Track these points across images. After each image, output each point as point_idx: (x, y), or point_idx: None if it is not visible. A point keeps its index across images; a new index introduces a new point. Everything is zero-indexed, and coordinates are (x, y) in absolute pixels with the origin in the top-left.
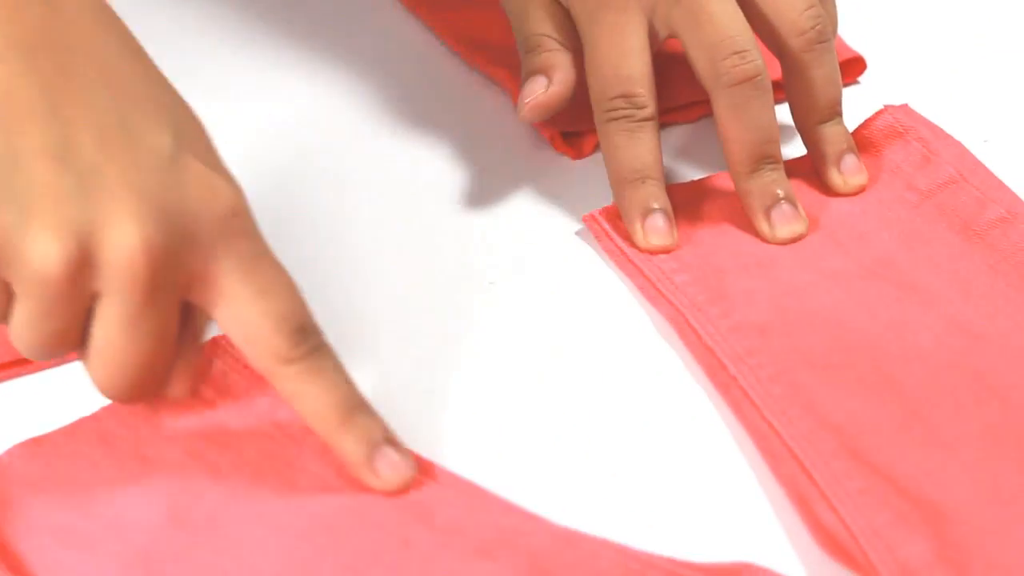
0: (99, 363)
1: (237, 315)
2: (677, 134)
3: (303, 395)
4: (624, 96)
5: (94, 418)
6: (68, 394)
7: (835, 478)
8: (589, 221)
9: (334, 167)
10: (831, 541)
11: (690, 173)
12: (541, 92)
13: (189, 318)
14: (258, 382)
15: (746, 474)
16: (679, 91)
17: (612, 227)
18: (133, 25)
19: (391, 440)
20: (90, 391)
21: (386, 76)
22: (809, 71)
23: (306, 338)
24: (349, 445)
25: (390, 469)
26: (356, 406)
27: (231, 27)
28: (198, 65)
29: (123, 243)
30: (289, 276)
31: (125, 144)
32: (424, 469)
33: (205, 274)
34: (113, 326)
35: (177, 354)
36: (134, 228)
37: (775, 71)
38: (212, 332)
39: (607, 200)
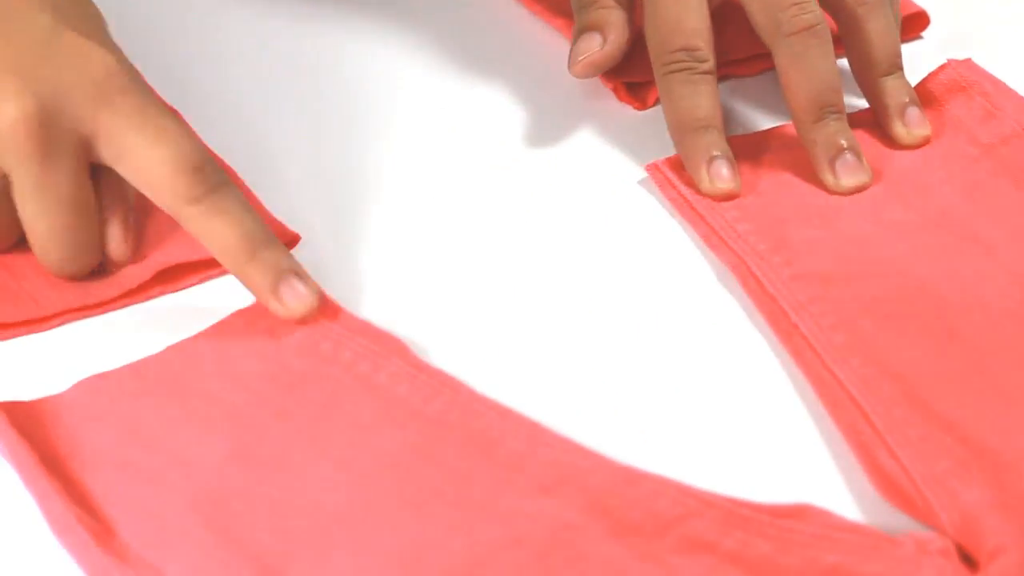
0: (32, 241)
1: (137, 166)
2: (736, 88)
3: (210, 233)
4: (685, 49)
5: (159, 357)
6: (135, 333)
7: (896, 425)
8: (652, 170)
9: (400, 115)
10: (891, 487)
11: (749, 127)
12: (596, 50)
13: (109, 182)
14: (320, 326)
15: (806, 421)
16: (736, 45)
17: (675, 175)
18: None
19: (298, 272)
20: (156, 331)
21: (452, 24)
22: (865, 24)
23: (205, 178)
24: (256, 276)
25: (294, 298)
26: (262, 240)
27: None
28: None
29: (5, 120)
30: (181, 122)
31: (2, 30)
32: (485, 403)
33: (97, 134)
34: (25, 199)
35: (107, 219)
36: (12, 104)
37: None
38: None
39: (670, 151)
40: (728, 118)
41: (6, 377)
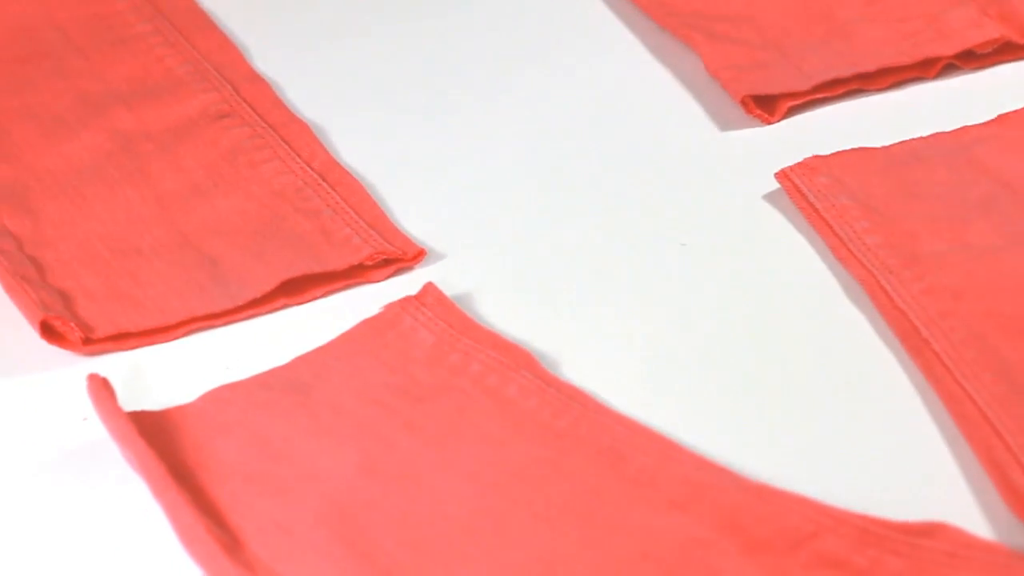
0: None
1: None
2: (864, 102)
3: None
4: None
5: (287, 368)
6: (262, 344)
7: None
8: (782, 178)
9: (530, 128)
10: None
11: (876, 141)
12: None
13: None
14: (449, 338)
15: (937, 437)
16: (866, 57)
17: (805, 184)
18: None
19: None
20: (283, 341)
21: (578, 39)
22: None
23: None
24: None
25: None
26: None
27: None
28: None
29: None
30: None
31: None
32: (615, 418)
33: None
34: None
35: None
36: None
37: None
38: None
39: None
40: (856, 132)
41: (134, 386)
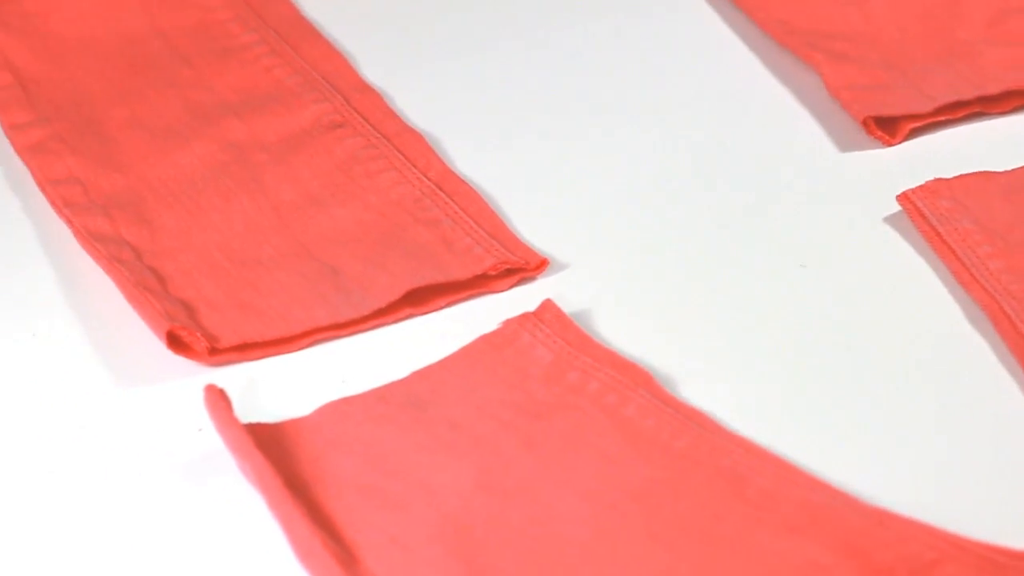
0: None
1: None
2: (987, 126)
3: None
4: None
5: (405, 382)
6: (379, 356)
7: None
8: (904, 201)
9: (646, 148)
10: None
11: (1000, 165)
12: None
13: None
14: (567, 355)
15: None
16: (990, 80)
17: (928, 207)
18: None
19: None
20: (400, 353)
21: (697, 56)
22: None
23: None
24: None
25: None
26: None
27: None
28: None
29: None
30: None
31: None
32: (733, 439)
33: None
34: None
35: None
36: None
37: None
38: (508, 312)
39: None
40: (978, 156)
41: (250, 398)
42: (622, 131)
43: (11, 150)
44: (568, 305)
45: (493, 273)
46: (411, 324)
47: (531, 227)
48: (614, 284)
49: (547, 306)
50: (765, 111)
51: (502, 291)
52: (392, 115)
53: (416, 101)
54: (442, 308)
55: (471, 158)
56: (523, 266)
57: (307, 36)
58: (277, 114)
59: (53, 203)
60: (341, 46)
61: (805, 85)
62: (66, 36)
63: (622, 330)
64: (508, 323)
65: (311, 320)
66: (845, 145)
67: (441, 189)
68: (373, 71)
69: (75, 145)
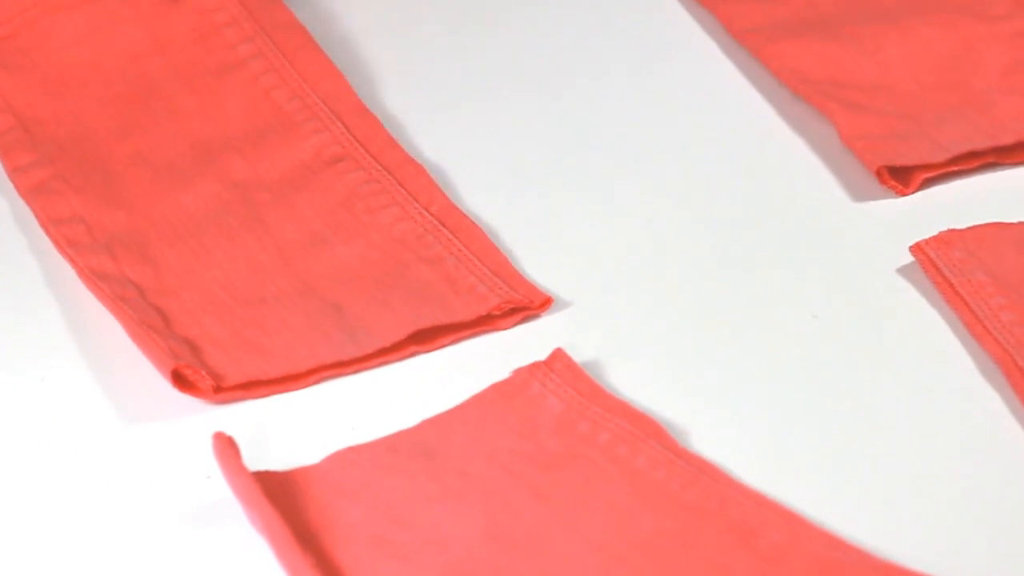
0: None
1: None
2: (1002, 176)
3: None
4: None
5: (414, 431)
6: (386, 396)
7: None
8: (917, 251)
9: (661, 190)
10: None
11: (1019, 215)
12: None
13: None
14: (577, 405)
15: None
16: (1005, 129)
17: (941, 258)
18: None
19: None
20: (407, 398)
21: (709, 102)
22: None
23: None
24: None
25: None
26: None
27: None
28: None
29: None
30: None
31: None
32: (745, 492)
33: None
34: None
35: None
36: None
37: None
38: (522, 360)
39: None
40: (992, 206)
41: (258, 444)
42: (633, 175)
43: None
44: (573, 346)
45: (497, 313)
46: (416, 362)
47: (536, 264)
48: (621, 327)
49: (558, 355)
50: (778, 159)
51: (506, 329)
52: (393, 144)
53: (426, 132)
54: (447, 346)
55: (478, 193)
56: (527, 304)
57: (304, 47)
58: (277, 147)
59: (56, 243)
60: (362, 71)
61: (819, 134)
62: (64, 65)
63: (632, 378)
64: (518, 372)
65: (316, 358)
66: (858, 195)
67: (444, 225)
68: (386, 98)
69: (78, 184)
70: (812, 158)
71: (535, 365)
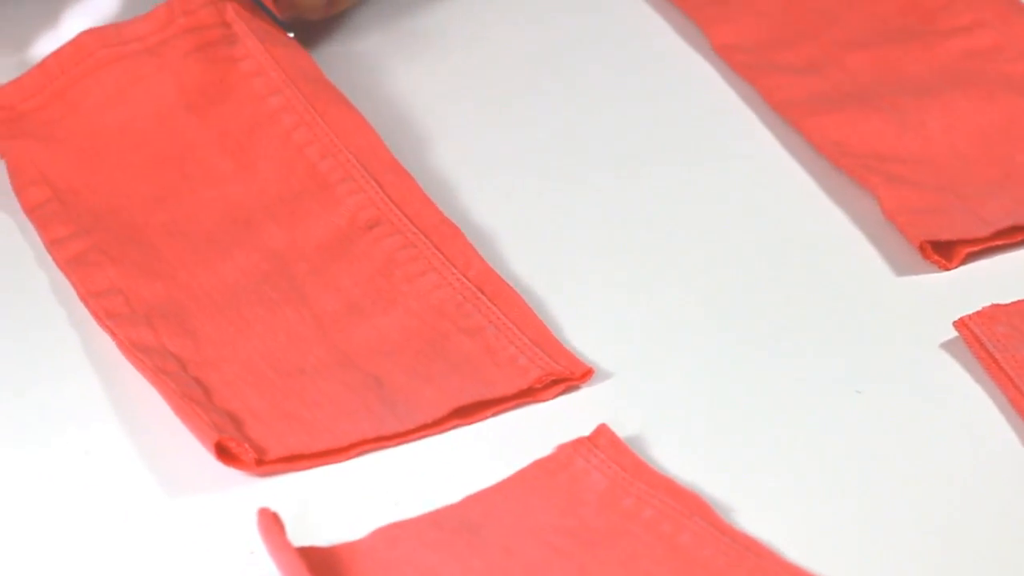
0: None
1: None
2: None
3: None
4: None
5: (458, 507)
6: (428, 472)
7: None
8: (961, 327)
9: (704, 261)
10: None
11: None
12: None
13: None
14: (622, 481)
15: None
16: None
17: (985, 334)
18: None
19: None
20: (449, 474)
21: (752, 176)
22: None
23: None
24: None
25: None
26: None
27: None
28: None
29: None
30: None
31: None
32: (791, 570)
33: None
34: None
35: None
36: None
37: None
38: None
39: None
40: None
41: (305, 517)
42: (676, 246)
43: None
44: (616, 419)
45: (538, 386)
46: (457, 435)
47: (577, 331)
48: (664, 401)
49: (602, 431)
50: (820, 233)
51: (547, 400)
52: (429, 204)
53: (471, 192)
54: (487, 419)
55: (527, 261)
56: (568, 375)
57: (333, 101)
58: (313, 212)
59: (96, 315)
60: (403, 130)
61: (861, 207)
62: (96, 131)
63: (676, 453)
64: (562, 448)
65: (357, 432)
66: (901, 269)
67: (482, 291)
68: (426, 160)
69: (115, 255)
70: (854, 232)
71: (579, 441)
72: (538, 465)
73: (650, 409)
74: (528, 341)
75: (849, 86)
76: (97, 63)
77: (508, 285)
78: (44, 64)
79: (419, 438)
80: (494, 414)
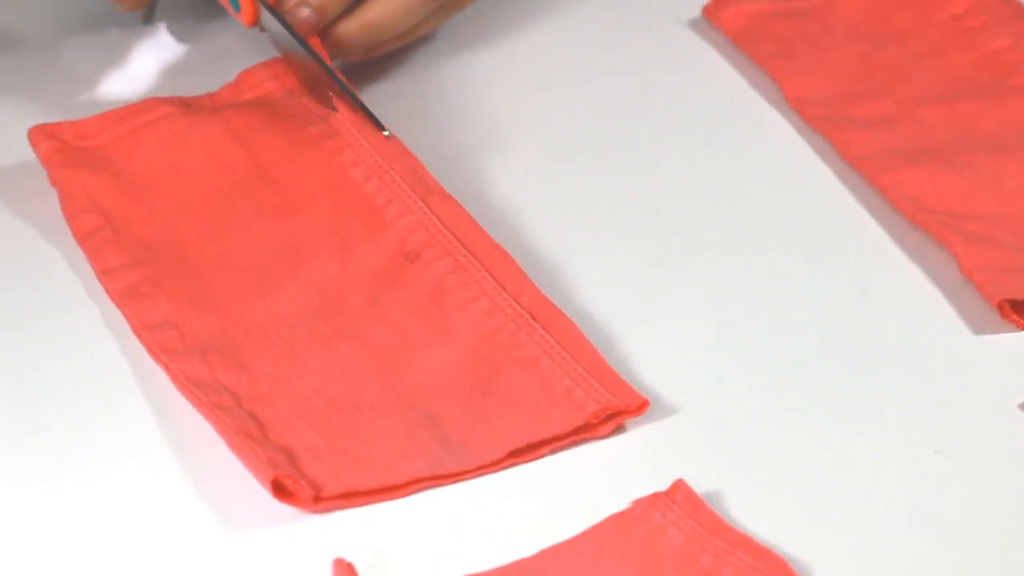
0: None
1: None
2: None
3: None
4: None
5: (534, 560)
6: (486, 513)
7: None
8: None
9: (781, 317)
10: None
11: None
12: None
13: None
14: (699, 538)
15: None
16: None
17: None
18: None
19: None
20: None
21: (827, 232)
22: None
23: None
24: None
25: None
26: None
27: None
28: None
29: None
30: None
31: None
32: None
33: None
34: None
35: None
36: None
37: None
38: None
39: None
40: None
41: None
42: (752, 299)
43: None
44: (677, 459)
45: (595, 421)
46: (514, 473)
47: (635, 359)
48: (738, 452)
49: (678, 486)
50: (897, 290)
51: (603, 436)
52: (477, 228)
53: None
54: (545, 456)
55: (573, 283)
56: (624, 409)
57: (375, 129)
58: (363, 239)
59: (150, 349)
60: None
61: (938, 265)
62: (148, 169)
63: (753, 510)
64: (638, 503)
65: (414, 470)
66: (979, 328)
67: (535, 319)
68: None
69: (168, 287)
70: (931, 289)
71: (655, 496)
72: (614, 520)
73: (724, 461)
74: (583, 371)
75: (924, 141)
76: (157, 117)
77: (561, 312)
78: (105, 114)
79: (476, 476)
80: (552, 451)
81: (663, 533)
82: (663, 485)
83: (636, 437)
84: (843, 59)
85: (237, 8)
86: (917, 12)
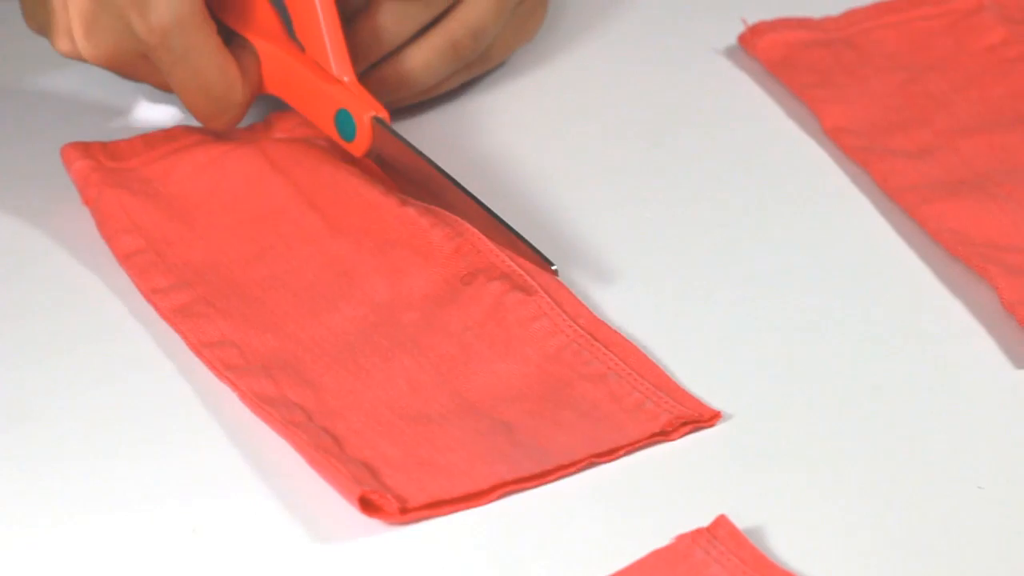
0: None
1: None
2: None
3: None
4: None
5: None
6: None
7: None
8: None
9: (810, 368)
10: None
11: None
12: None
13: None
14: (731, 565)
15: None
16: None
17: None
18: None
19: None
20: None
21: (867, 264)
22: None
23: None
24: None
25: None
26: None
27: None
28: None
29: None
30: None
31: None
32: None
33: None
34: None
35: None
36: None
37: None
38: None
39: None
40: None
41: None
42: (786, 336)
43: (154, 315)
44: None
45: (669, 428)
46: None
47: (705, 380)
48: (782, 490)
49: (721, 522)
50: (937, 323)
51: (675, 439)
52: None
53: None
54: (622, 456)
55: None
56: (697, 417)
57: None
58: (413, 262)
59: (212, 367)
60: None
61: (979, 298)
62: (186, 193)
63: (797, 546)
64: (681, 538)
65: (496, 475)
66: (1021, 362)
67: (595, 339)
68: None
69: (222, 307)
70: (972, 323)
71: (698, 532)
72: (656, 556)
73: (768, 495)
74: (652, 386)
75: (963, 172)
76: (190, 143)
77: (620, 334)
78: (134, 138)
79: (557, 479)
80: (628, 452)
81: (705, 569)
82: (705, 519)
83: (676, 469)
84: (881, 89)
85: (350, 137)
86: (954, 41)
